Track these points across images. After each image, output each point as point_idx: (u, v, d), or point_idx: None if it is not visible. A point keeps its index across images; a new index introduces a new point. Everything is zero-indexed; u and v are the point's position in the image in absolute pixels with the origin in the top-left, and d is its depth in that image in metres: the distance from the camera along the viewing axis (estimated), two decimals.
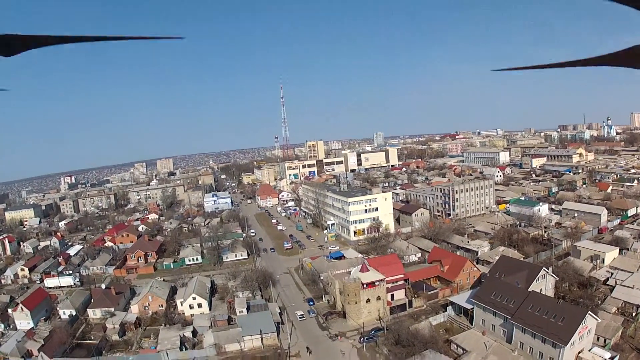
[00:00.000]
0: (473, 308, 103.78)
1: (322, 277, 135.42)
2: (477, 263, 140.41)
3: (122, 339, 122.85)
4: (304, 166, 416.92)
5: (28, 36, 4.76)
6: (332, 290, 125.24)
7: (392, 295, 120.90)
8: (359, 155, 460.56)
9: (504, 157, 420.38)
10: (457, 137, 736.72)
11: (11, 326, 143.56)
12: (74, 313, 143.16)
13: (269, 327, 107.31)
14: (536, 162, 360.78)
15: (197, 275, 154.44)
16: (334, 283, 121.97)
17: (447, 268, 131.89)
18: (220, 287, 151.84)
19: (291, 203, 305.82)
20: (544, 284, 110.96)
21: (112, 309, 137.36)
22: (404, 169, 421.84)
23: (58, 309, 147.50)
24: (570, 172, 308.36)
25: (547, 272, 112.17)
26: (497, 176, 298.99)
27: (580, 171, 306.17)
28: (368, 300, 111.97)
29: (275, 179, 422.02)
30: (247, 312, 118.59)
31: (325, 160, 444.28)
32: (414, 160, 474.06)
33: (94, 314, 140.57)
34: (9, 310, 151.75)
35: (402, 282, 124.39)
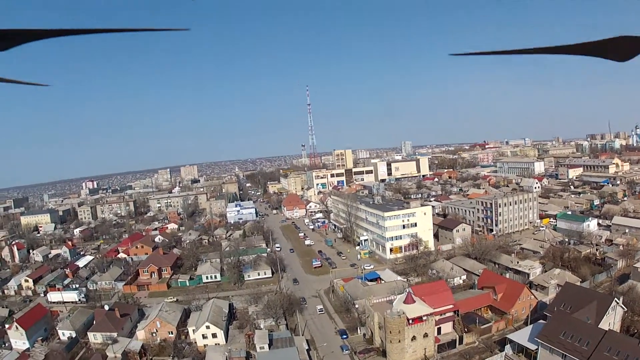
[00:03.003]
0: (538, 349, 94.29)
1: (356, 305, 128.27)
2: (530, 288, 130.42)
3: None
4: (332, 175, 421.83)
5: (24, 30, 4.98)
6: (369, 322, 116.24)
7: (439, 329, 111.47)
8: (389, 165, 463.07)
9: (539, 167, 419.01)
10: (486, 146, 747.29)
11: (6, 344, 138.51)
12: (73, 335, 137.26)
13: None
14: (572, 173, 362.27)
15: (213, 299, 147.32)
16: (372, 315, 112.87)
17: (501, 296, 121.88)
18: (239, 311, 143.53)
19: (319, 215, 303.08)
20: (613, 317, 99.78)
21: (115, 334, 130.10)
22: (436, 179, 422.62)
23: (58, 329, 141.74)
24: (608, 183, 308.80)
25: (618, 303, 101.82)
26: (535, 188, 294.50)
27: (618, 182, 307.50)
28: (413, 338, 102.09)
29: (302, 189, 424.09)
30: (269, 348, 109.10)
31: (354, 170, 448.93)
32: (445, 170, 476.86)
33: (95, 338, 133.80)
34: (6, 326, 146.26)
35: (452, 313, 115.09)
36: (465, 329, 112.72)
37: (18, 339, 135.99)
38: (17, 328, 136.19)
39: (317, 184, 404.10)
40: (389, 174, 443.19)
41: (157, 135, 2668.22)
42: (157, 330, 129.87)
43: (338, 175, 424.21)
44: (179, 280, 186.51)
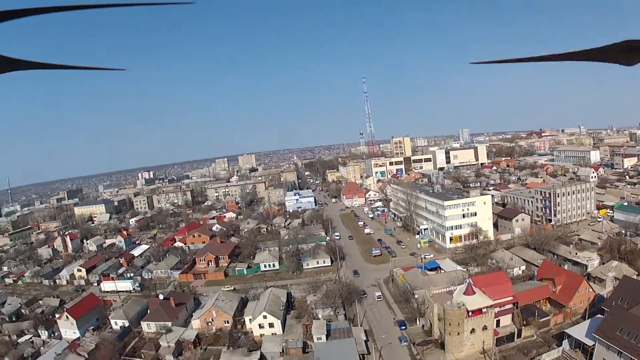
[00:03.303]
0: (594, 344, 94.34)
1: (416, 295, 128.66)
2: (587, 280, 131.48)
3: None
4: (390, 163, 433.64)
5: (14, 59, 5.57)
6: (428, 313, 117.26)
7: (498, 322, 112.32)
8: (447, 153, 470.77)
9: (595, 156, 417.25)
10: (543, 134, 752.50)
11: (56, 334, 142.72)
12: (126, 324, 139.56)
13: None
14: (628, 163, 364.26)
15: (271, 288, 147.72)
16: (432, 306, 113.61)
17: (560, 288, 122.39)
18: (297, 301, 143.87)
19: (379, 203, 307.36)
20: None
21: (169, 324, 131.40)
22: (494, 167, 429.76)
23: (110, 318, 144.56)
24: None
25: None
26: (592, 177, 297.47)
27: None
28: (472, 331, 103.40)
29: (361, 177, 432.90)
30: (327, 338, 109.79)
31: (413, 158, 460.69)
32: (503, 159, 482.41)
33: (149, 327, 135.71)
34: (56, 316, 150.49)
35: (511, 305, 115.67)
36: (524, 322, 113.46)
37: (68, 329, 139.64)
38: (67, 318, 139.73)
39: (376, 172, 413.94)
40: (448, 162, 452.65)
41: (215, 125, 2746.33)
42: (212, 320, 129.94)
43: (397, 163, 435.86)
44: (236, 268, 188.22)
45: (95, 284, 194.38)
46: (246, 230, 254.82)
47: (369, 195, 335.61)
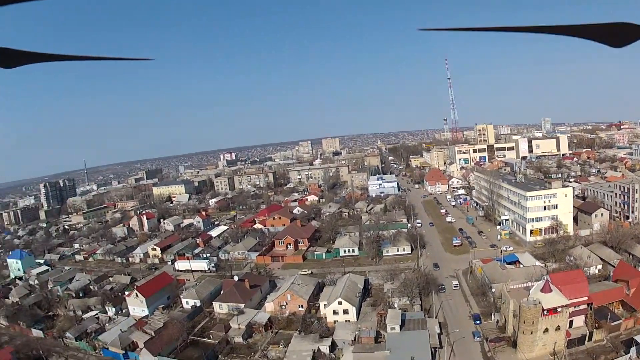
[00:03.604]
0: None
1: (493, 289, 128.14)
2: None
3: (246, 343, 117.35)
4: (474, 151, 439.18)
5: (28, 52, 6.03)
6: (504, 308, 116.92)
7: (571, 323, 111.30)
8: (530, 142, 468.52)
9: None
10: (622, 126, 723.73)
11: (124, 311, 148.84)
12: (198, 304, 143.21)
13: (424, 353, 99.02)
14: None
15: (349, 274, 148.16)
16: (508, 301, 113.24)
17: (634, 291, 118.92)
18: (374, 288, 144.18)
19: (462, 191, 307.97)
20: None
21: (242, 305, 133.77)
22: (575, 159, 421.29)
23: (182, 297, 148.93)
24: None
25: None
26: None
27: None
28: (546, 330, 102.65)
29: (445, 163, 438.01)
30: (401, 328, 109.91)
31: (496, 146, 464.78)
32: (584, 150, 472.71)
33: (220, 308, 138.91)
34: (126, 293, 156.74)
35: (585, 306, 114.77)
36: (596, 325, 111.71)
37: (137, 306, 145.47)
38: (137, 295, 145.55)
39: (460, 159, 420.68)
40: (530, 151, 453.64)
41: (299, 108, 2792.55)
42: (286, 303, 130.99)
43: (480, 150, 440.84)
44: (315, 252, 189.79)
45: (170, 263, 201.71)
46: (327, 214, 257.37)
47: (452, 182, 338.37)
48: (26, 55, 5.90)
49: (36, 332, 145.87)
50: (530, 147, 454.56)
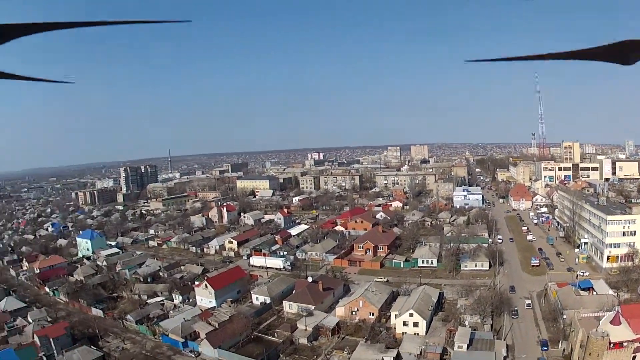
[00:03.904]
0: None
1: (564, 315, 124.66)
2: None
3: (310, 345, 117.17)
4: (559, 169, 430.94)
5: (20, 24, 5.87)
6: (572, 337, 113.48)
7: (634, 358, 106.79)
8: (613, 163, 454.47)
9: None
10: None
11: (191, 300, 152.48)
12: (267, 301, 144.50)
13: None
14: None
15: (424, 285, 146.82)
16: (577, 330, 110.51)
17: None
18: (448, 302, 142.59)
19: (544, 209, 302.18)
20: None
21: (312, 307, 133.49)
22: None
23: (252, 293, 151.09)
24: None
25: None
26: None
27: None
28: None
29: (530, 179, 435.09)
30: (468, 347, 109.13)
31: (581, 165, 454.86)
32: None
33: (290, 307, 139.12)
34: (196, 283, 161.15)
35: None
36: None
37: (205, 297, 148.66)
38: (206, 286, 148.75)
39: (545, 176, 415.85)
40: (613, 173, 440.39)
41: (390, 113, 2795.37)
42: (357, 309, 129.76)
43: (565, 169, 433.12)
44: (393, 260, 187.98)
45: (245, 258, 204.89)
46: (410, 221, 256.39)
47: (536, 199, 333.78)
48: (17, 27, 5.74)
49: (96, 311, 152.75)
50: (613, 168, 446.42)
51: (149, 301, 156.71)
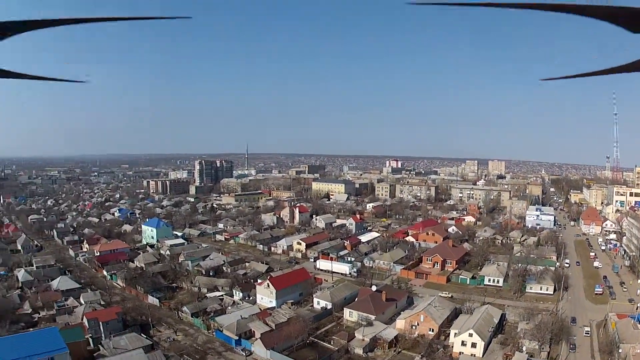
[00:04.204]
0: None
1: (620, 349, 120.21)
2: None
3: (365, 356, 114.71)
4: (631, 194, 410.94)
5: (21, 21, 6.33)
6: None
7: None
8: None
9: None
10: None
11: (251, 298, 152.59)
12: (328, 306, 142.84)
13: None
14: None
15: (488, 305, 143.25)
16: None
17: None
18: (509, 324, 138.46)
19: (613, 235, 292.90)
20: None
21: (372, 317, 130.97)
22: None
23: (314, 296, 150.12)
24: None
25: None
26: None
27: None
28: None
29: (602, 203, 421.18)
30: None
31: None
32: None
33: (350, 315, 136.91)
34: (258, 281, 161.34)
35: None
36: None
37: (265, 296, 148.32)
38: (268, 285, 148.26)
39: (616, 201, 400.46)
40: None
41: (470, 124, 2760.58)
42: (418, 324, 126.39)
43: (637, 194, 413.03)
44: (460, 276, 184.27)
45: (312, 260, 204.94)
46: (481, 238, 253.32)
47: (606, 224, 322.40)
48: (19, 24, 5.99)
49: (152, 300, 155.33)
50: None
51: (208, 295, 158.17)
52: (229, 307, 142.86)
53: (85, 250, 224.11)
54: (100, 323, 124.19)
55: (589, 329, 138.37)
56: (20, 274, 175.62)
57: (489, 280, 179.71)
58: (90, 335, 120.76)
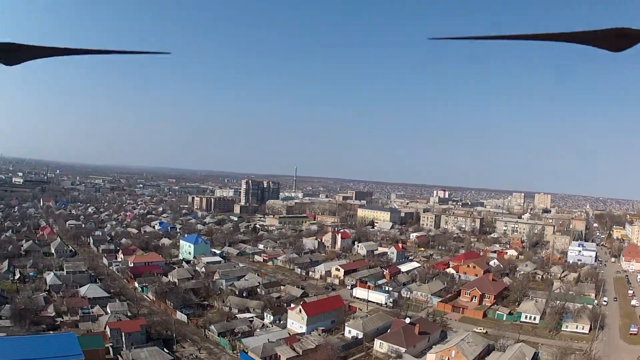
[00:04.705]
0: None
1: None
2: None
3: None
4: None
5: (32, 46, 6.02)
6: None
7: None
8: None
9: None
10: None
11: (282, 322, 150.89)
12: (360, 336, 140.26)
13: None
14: None
15: (521, 343, 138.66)
16: None
17: None
18: None
19: None
20: None
21: (403, 350, 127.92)
22: None
23: (346, 325, 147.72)
24: None
25: None
26: None
27: None
28: None
29: None
30: None
31: None
32: None
33: (381, 347, 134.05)
34: (291, 305, 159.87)
35: None
36: None
37: (296, 322, 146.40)
38: (300, 311, 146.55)
39: None
40: None
41: (514, 158, 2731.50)
42: (449, 359, 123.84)
43: None
44: (497, 312, 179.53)
45: (349, 288, 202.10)
46: (522, 272, 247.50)
47: None
48: (32, 49, 5.77)
49: (180, 315, 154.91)
50: None
51: (238, 315, 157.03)
52: (258, 330, 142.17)
53: (120, 260, 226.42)
54: (123, 334, 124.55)
55: None
56: (49, 277, 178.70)
57: (526, 316, 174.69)
58: (112, 344, 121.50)
